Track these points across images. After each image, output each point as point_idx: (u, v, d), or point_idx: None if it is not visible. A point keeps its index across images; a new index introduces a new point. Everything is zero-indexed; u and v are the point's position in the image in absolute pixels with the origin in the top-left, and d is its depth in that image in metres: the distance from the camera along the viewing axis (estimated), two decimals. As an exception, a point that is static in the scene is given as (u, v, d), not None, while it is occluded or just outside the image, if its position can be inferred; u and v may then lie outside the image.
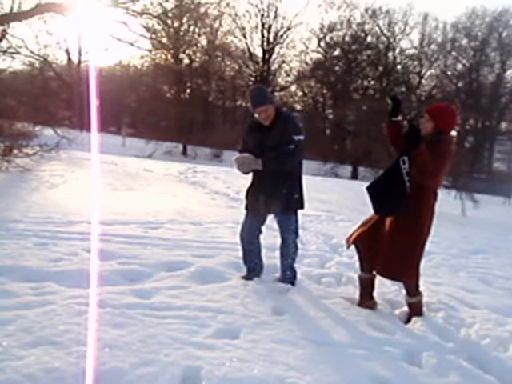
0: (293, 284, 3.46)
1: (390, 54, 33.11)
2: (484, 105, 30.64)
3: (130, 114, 34.46)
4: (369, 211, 3.22)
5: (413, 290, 3.13)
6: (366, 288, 3.29)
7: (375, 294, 3.41)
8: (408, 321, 3.08)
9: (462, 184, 11.01)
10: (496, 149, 31.58)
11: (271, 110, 3.29)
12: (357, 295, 3.39)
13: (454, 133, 3.11)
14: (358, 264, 3.40)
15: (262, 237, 3.57)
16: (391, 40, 32.73)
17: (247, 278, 3.49)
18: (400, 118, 3.17)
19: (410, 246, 3.01)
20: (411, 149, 2.82)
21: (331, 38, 33.23)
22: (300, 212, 3.48)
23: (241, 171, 3.32)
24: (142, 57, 24.98)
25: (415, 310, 3.15)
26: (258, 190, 3.41)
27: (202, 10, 11.97)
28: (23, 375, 1.96)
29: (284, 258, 3.49)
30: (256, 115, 3.33)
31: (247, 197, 3.54)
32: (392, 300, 3.45)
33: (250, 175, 3.50)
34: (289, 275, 3.50)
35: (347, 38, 32.73)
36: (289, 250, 3.47)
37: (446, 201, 8.11)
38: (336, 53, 33.57)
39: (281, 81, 34.18)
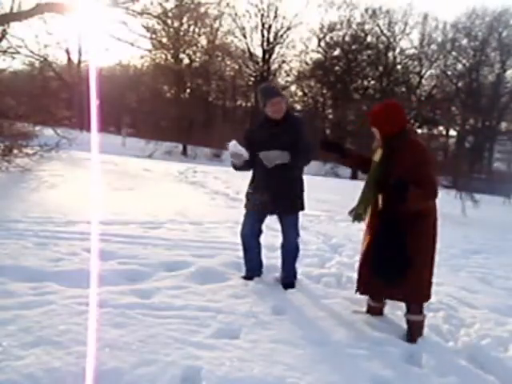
0: (293, 285, 3.46)
1: (390, 54, 33.09)
2: (484, 105, 30.62)
3: (130, 114, 34.45)
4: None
5: (418, 309, 2.85)
6: (374, 313, 3.12)
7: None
8: (413, 340, 2.78)
9: (462, 184, 11.00)
10: (496, 149, 31.55)
11: (283, 104, 3.28)
12: (356, 296, 3.40)
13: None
14: (357, 264, 3.34)
15: (262, 236, 3.56)
16: (391, 40, 32.72)
17: (247, 277, 3.49)
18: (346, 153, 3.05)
19: (425, 265, 2.81)
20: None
21: (331, 38, 33.22)
22: (300, 212, 3.47)
23: (268, 164, 3.17)
24: (141, 57, 24.94)
25: (416, 329, 2.84)
26: (266, 188, 3.31)
27: (202, 9, 11.95)
28: (23, 375, 1.96)
29: (285, 258, 3.49)
30: (268, 109, 3.26)
31: (249, 195, 3.47)
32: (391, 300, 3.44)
33: (249, 173, 3.48)
34: (289, 276, 3.50)
35: (347, 38, 32.71)
36: (291, 251, 3.47)
37: (446, 201, 8.11)
38: (336, 53, 33.55)
39: (281, 81, 34.09)
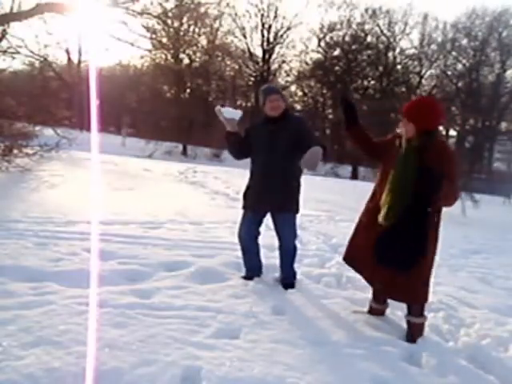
0: (293, 286, 3.46)
1: (390, 54, 33.09)
2: (484, 105, 30.60)
3: (130, 114, 34.45)
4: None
5: (419, 310, 2.83)
6: (375, 314, 3.10)
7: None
8: (414, 341, 2.77)
9: (462, 184, 11.01)
10: (496, 149, 31.54)
11: (282, 103, 3.28)
12: (356, 296, 3.40)
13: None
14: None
15: (260, 237, 3.55)
16: (391, 40, 32.71)
17: (247, 277, 3.49)
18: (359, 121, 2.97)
19: (427, 266, 2.76)
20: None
21: (331, 38, 33.20)
22: (300, 212, 3.46)
23: (311, 169, 2.90)
24: (141, 57, 24.89)
25: (417, 330, 2.83)
26: (261, 185, 3.30)
27: (202, 9, 11.95)
28: (23, 375, 1.96)
29: (284, 259, 3.48)
30: (266, 106, 3.28)
31: (246, 194, 3.45)
32: (391, 300, 3.44)
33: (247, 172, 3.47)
34: (289, 276, 3.50)
35: (347, 38, 32.69)
36: (288, 252, 3.46)
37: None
38: (336, 53, 33.53)
39: (281, 81, 34.09)
